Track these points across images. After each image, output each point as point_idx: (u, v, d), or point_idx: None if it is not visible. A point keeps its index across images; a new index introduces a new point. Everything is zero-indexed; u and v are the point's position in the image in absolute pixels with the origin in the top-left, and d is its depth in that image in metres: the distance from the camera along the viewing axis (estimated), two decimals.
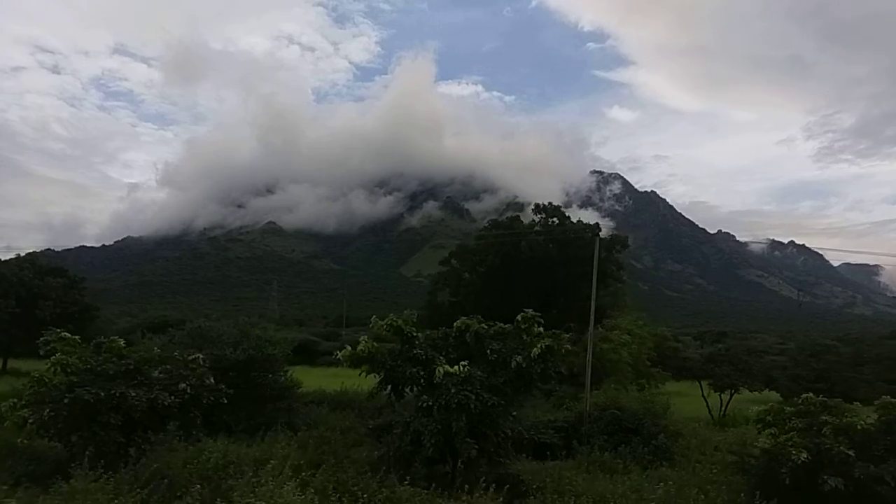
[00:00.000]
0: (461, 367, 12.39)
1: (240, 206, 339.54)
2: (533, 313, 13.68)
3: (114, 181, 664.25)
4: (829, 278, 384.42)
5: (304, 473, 11.12)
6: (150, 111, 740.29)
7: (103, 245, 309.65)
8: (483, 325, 13.79)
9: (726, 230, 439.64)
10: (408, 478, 11.35)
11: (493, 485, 11.45)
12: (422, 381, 12.81)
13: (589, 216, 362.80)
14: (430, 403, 12.28)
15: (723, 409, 31.21)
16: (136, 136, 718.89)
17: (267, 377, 16.18)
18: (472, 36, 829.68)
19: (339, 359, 13.76)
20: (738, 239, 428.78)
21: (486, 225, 38.57)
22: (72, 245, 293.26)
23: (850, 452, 10.70)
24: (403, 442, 12.50)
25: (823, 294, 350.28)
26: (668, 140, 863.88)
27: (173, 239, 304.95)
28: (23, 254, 47.28)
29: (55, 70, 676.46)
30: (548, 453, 16.83)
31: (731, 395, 32.15)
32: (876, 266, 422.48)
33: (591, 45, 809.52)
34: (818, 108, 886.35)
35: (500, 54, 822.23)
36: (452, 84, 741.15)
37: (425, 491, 11.05)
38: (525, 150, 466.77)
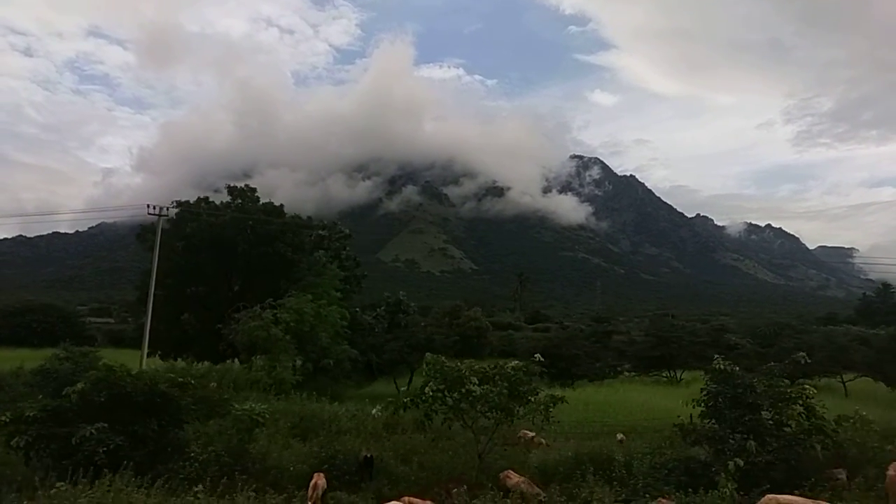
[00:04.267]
0: None
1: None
2: None
3: (90, 166, 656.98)
4: (804, 261, 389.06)
5: None
6: (126, 95, 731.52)
7: (77, 231, 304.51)
8: None
9: (704, 214, 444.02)
10: None
11: None
12: None
13: (569, 201, 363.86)
14: None
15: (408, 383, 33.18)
16: (112, 120, 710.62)
17: None
18: (454, 18, 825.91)
19: None
20: (715, 223, 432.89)
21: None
22: (45, 231, 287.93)
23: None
24: None
25: (798, 277, 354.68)
26: (650, 124, 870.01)
27: (148, 225, 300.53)
28: None
29: (28, 53, 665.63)
30: None
31: (412, 373, 34.62)
32: (851, 249, 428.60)
33: (572, 28, 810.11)
34: (797, 91, 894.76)
35: (482, 37, 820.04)
36: (434, 67, 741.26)
37: None
38: (506, 135, 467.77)
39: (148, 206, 35.85)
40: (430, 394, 12.87)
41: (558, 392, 14.34)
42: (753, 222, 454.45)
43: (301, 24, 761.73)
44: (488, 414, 13.20)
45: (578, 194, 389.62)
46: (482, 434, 13.49)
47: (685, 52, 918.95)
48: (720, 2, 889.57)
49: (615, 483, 11.72)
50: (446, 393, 13.00)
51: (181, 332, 36.50)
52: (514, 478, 12.04)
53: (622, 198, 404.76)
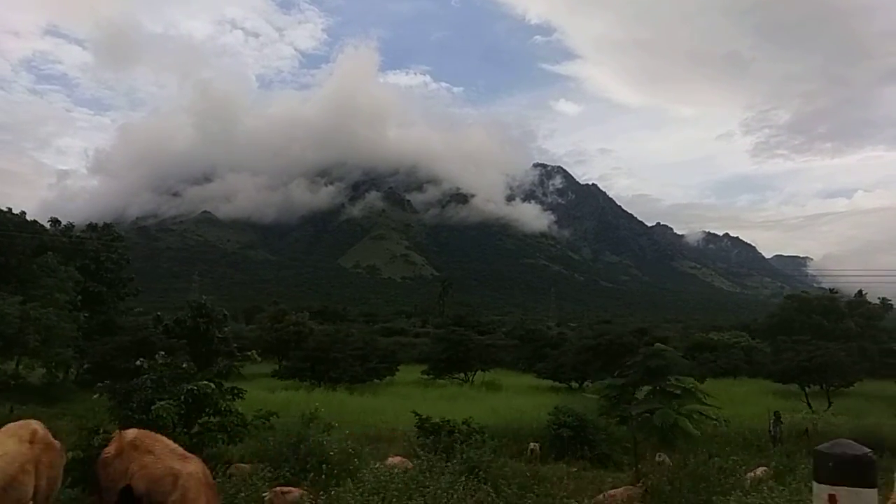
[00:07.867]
0: None
1: (175, 195, 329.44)
2: None
3: (46, 168, 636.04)
4: (760, 270, 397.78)
5: None
6: (85, 96, 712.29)
7: None
8: None
9: (665, 223, 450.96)
10: None
11: None
12: None
13: (532, 209, 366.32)
14: None
15: None
16: (70, 121, 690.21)
17: None
18: (421, 25, 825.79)
19: None
20: (675, 231, 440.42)
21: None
22: None
23: None
24: None
25: (753, 285, 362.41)
26: (614, 134, 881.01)
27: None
28: None
29: None
30: None
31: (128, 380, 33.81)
32: (805, 258, 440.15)
33: (538, 38, 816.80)
34: (755, 104, 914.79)
35: (449, 45, 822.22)
36: (400, 74, 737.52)
37: None
38: (470, 142, 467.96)
39: None
40: None
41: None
42: (712, 231, 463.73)
43: (266, 27, 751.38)
44: None
45: (541, 202, 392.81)
46: None
47: (647, 64, 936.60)
48: (679, 15, 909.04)
49: None
50: None
51: None
52: None
53: (584, 206, 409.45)
